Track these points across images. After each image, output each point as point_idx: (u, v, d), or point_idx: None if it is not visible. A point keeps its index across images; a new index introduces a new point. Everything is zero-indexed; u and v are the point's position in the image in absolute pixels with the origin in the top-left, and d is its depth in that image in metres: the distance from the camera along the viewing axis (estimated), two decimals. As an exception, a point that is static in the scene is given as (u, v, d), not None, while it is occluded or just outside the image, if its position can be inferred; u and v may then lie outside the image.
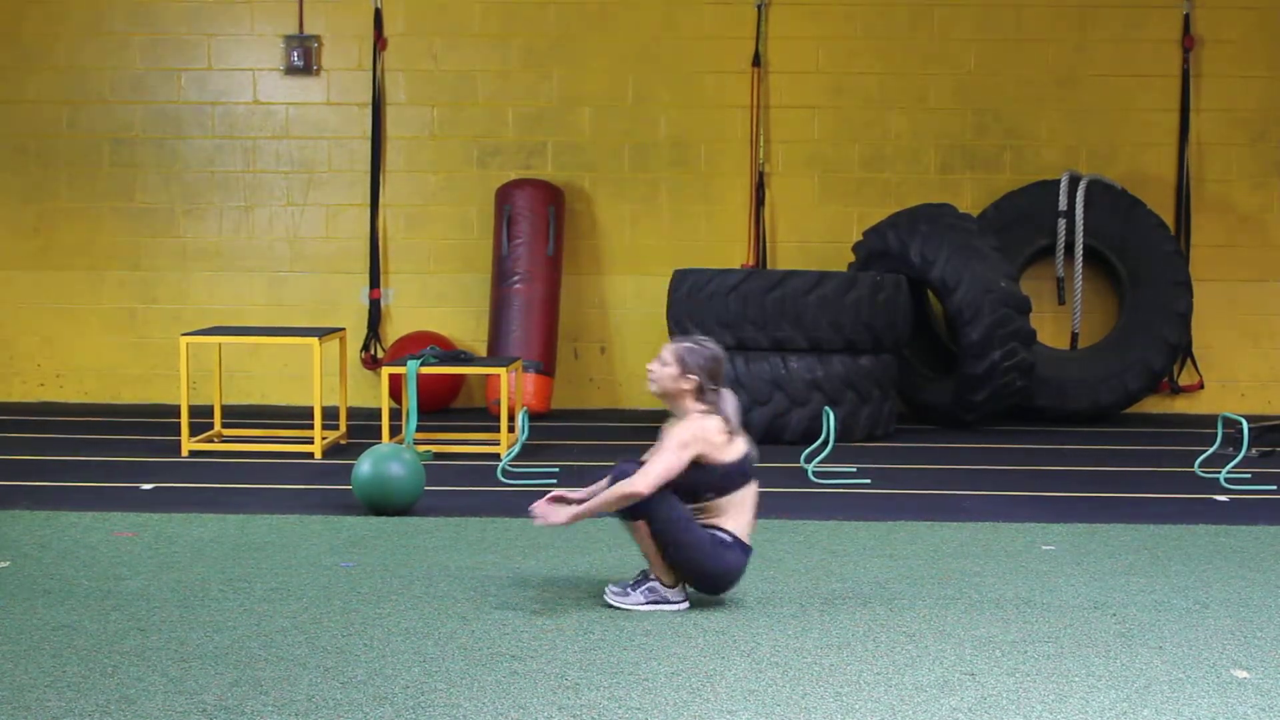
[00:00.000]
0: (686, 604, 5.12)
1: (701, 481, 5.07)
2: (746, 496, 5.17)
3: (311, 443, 8.42)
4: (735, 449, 5.14)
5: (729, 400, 5.19)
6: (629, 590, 5.12)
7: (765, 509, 6.74)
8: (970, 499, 7.27)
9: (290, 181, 10.60)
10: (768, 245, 10.50)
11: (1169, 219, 10.36)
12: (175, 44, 10.53)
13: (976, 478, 7.92)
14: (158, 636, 4.69)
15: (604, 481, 5.16)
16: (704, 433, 5.07)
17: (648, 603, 5.09)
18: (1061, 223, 10.07)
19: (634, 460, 5.12)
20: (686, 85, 10.49)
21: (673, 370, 5.11)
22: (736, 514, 5.13)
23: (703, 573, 5.08)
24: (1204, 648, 4.69)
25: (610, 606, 5.09)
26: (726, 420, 5.14)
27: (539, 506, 5.12)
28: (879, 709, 4.07)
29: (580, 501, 5.15)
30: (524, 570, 5.66)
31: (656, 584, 5.11)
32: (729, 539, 5.08)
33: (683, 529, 5.02)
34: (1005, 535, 6.38)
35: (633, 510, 5.02)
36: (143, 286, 10.62)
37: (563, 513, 5.07)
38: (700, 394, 5.12)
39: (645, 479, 4.98)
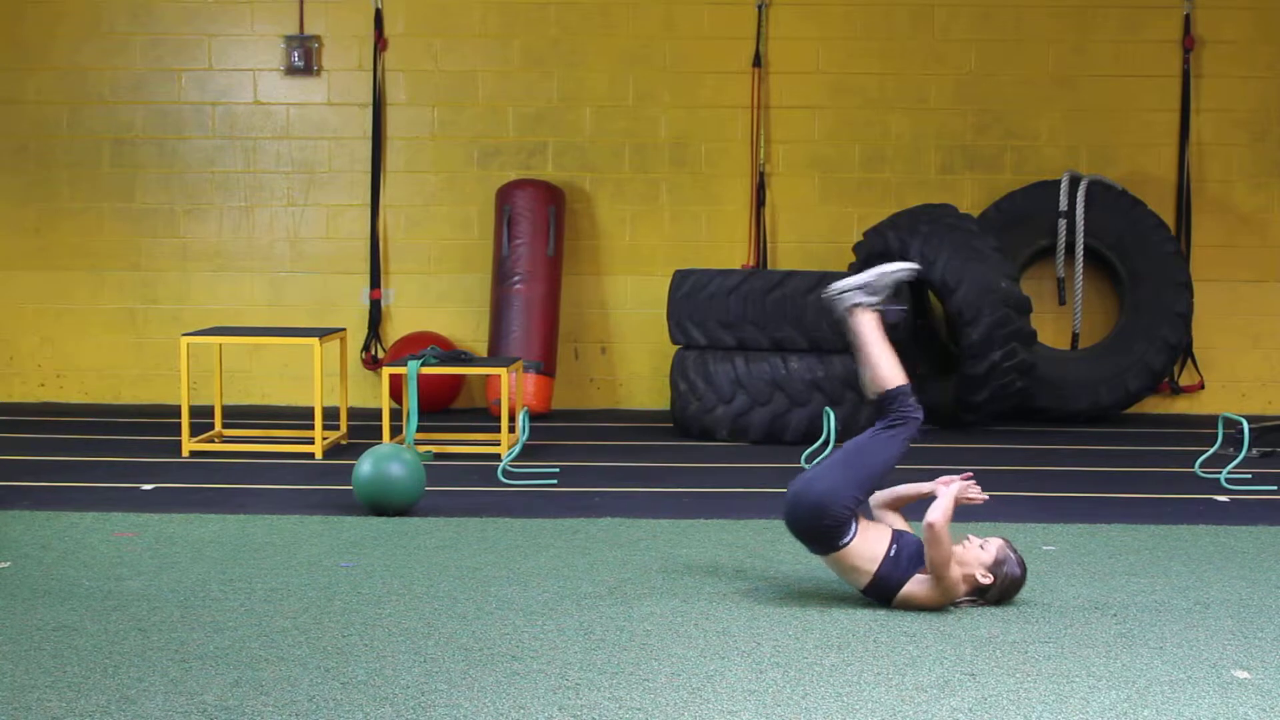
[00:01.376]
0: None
1: (895, 573, 5.09)
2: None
3: (312, 443, 8.42)
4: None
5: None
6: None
7: (765, 509, 6.77)
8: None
9: (291, 182, 10.61)
10: (768, 245, 10.51)
11: (1169, 219, 10.36)
12: (175, 44, 10.53)
13: (977, 478, 7.90)
14: (158, 637, 4.70)
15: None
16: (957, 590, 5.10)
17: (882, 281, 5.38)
18: (1062, 223, 10.07)
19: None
20: (687, 86, 10.49)
21: (987, 560, 5.12)
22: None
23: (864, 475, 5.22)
24: (1204, 648, 4.69)
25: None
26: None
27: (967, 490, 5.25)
28: (880, 709, 4.07)
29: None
30: (524, 570, 5.66)
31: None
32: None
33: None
34: (1005, 535, 6.37)
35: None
36: (143, 287, 10.63)
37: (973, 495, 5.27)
38: (977, 589, 5.12)
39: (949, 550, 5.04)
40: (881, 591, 5.08)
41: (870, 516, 5.22)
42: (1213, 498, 7.34)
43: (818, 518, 5.06)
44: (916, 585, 5.05)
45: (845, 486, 5.10)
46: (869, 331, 5.37)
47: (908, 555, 5.09)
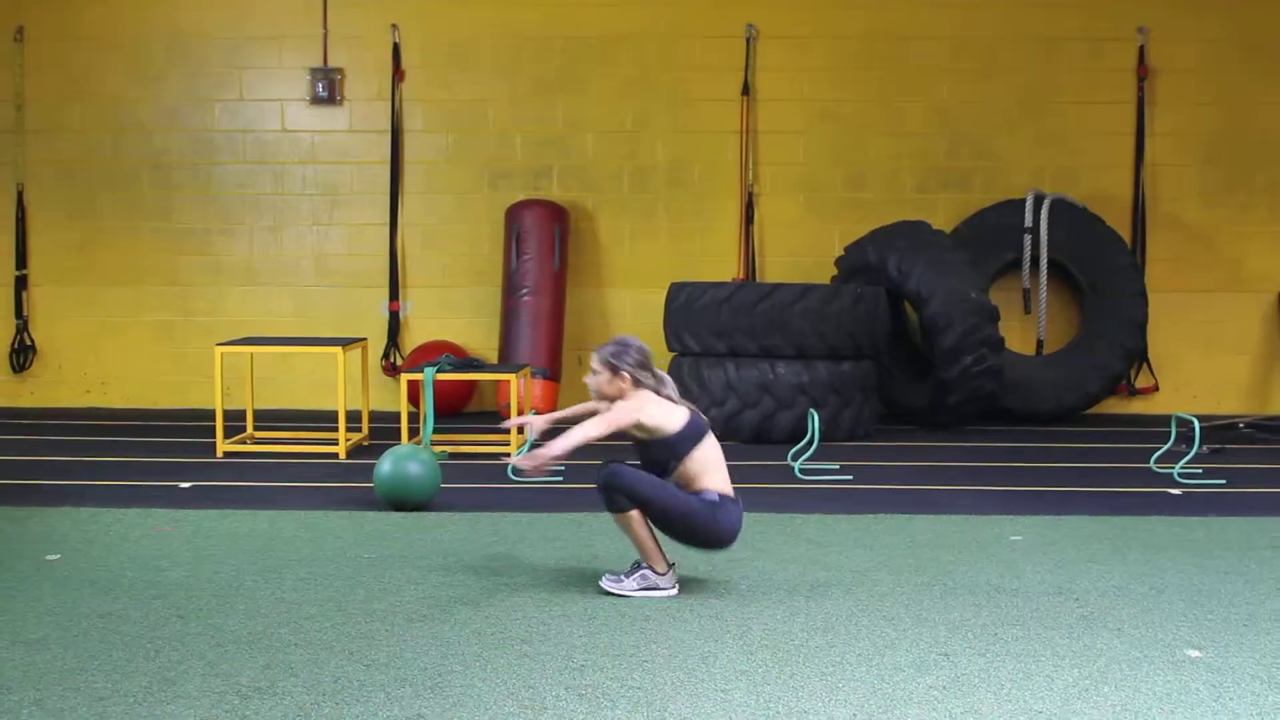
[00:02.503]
0: (676, 589, 5.14)
1: (660, 453, 5.10)
2: (709, 454, 5.15)
3: (336, 444, 8.43)
4: (679, 417, 5.14)
5: (667, 381, 5.23)
6: (623, 578, 5.14)
7: (755, 504, 6.76)
8: (944, 493, 7.28)
9: (316, 203, 10.62)
10: (757, 260, 10.52)
11: (1126, 235, 10.38)
12: (210, 77, 10.55)
13: (950, 474, 7.93)
14: (196, 623, 4.71)
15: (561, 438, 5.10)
16: (640, 402, 5.09)
17: (640, 589, 5.10)
18: (1027, 238, 10.09)
19: (611, 465, 5.12)
20: (682, 112, 10.51)
21: (605, 376, 5.16)
22: (709, 473, 5.14)
23: (705, 534, 5.11)
24: (1160, 629, 4.70)
25: (607, 593, 5.10)
26: (668, 397, 5.17)
27: (521, 461, 5.04)
28: (861, 688, 4.08)
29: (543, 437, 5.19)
30: (533, 561, 5.67)
31: (648, 571, 5.12)
32: (717, 498, 5.10)
33: (674, 500, 5.06)
34: (976, 527, 6.39)
35: (614, 494, 5.03)
36: (180, 300, 10.64)
37: (535, 459, 4.98)
38: (638, 385, 5.15)
39: (598, 424, 5.05)
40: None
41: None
42: (1167, 491, 7.34)
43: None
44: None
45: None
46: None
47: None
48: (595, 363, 5.18)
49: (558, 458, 5.01)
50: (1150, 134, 10.46)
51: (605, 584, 5.14)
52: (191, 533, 6.16)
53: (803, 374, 8.91)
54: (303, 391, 10.55)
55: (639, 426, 5.09)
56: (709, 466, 5.14)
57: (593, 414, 5.23)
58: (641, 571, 5.13)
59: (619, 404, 5.13)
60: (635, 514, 5.06)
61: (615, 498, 5.04)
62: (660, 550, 5.13)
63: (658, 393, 5.18)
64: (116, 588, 5.17)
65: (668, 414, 5.13)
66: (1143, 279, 10.13)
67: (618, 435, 5.15)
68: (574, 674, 4.18)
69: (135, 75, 10.55)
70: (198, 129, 10.59)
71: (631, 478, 5.03)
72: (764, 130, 10.51)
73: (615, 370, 5.15)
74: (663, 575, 5.12)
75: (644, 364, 5.19)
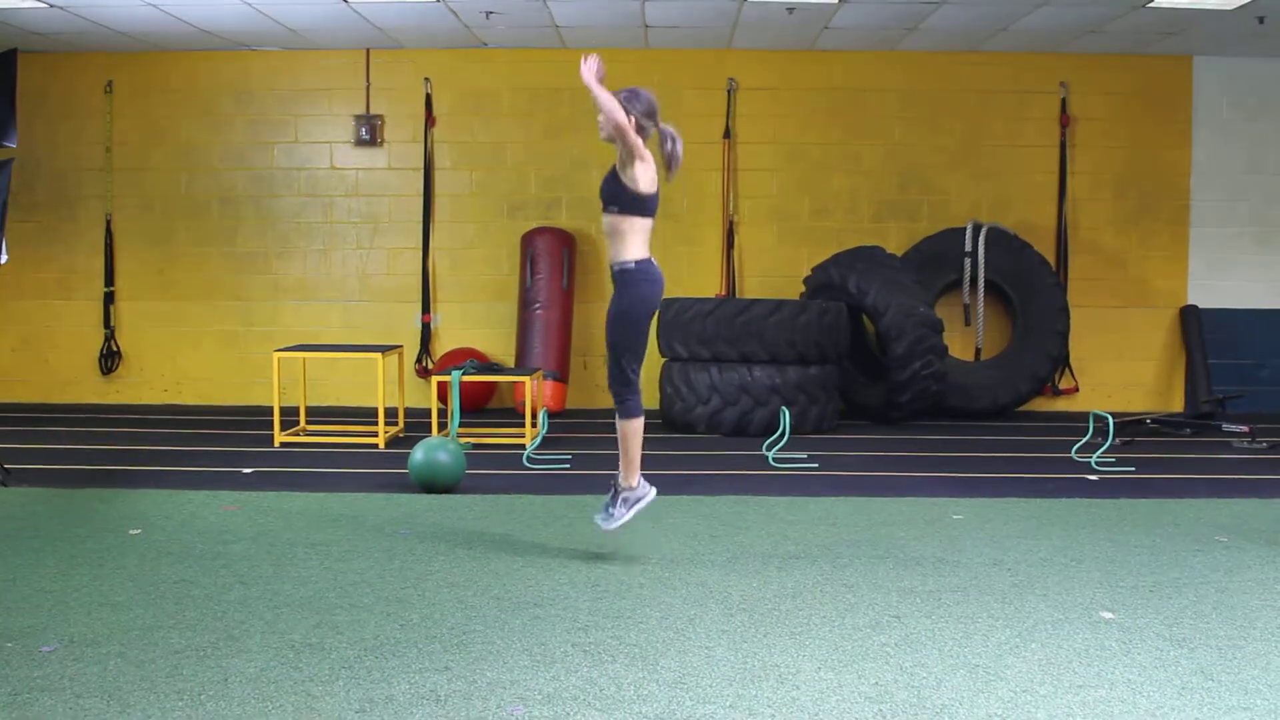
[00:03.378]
0: (654, 491, 5.16)
1: (621, 198, 4.99)
2: (648, 225, 5.08)
3: (376, 436, 8.42)
4: (651, 188, 5.01)
5: (672, 136, 5.06)
6: (610, 511, 5.12)
7: (734, 488, 6.77)
8: (897, 479, 7.29)
9: (359, 230, 10.61)
10: (736, 279, 10.52)
11: (1051, 258, 10.39)
12: (270, 123, 10.55)
13: (902, 462, 7.94)
14: (256, 588, 4.70)
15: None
16: (646, 153, 4.98)
17: (630, 511, 5.10)
18: (967, 261, 10.09)
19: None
20: (672, 154, 10.50)
21: (617, 115, 4.94)
22: (643, 239, 5.05)
23: (649, 305, 5.09)
24: (1078, 595, 4.70)
25: (609, 529, 5.13)
26: (670, 154, 5.03)
27: (587, 69, 4.92)
28: (824, 645, 4.08)
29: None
30: (544, 537, 5.67)
31: (624, 491, 5.10)
32: (633, 265, 5.04)
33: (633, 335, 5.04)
34: (924, 507, 6.40)
35: (632, 404, 5.05)
36: (243, 313, 10.63)
37: (593, 73, 4.91)
38: (641, 130, 5.00)
39: (621, 115, 4.85)
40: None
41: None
42: (1085, 477, 7.35)
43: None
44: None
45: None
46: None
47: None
48: (605, 102, 4.95)
49: (597, 93, 4.87)
50: (1071, 172, 10.47)
51: (600, 523, 5.12)
52: (253, 511, 6.16)
53: (776, 377, 8.91)
54: (348, 391, 10.54)
55: (629, 160, 4.90)
56: (644, 235, 5.05)
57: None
58: (620, 495, 5.10)
59: (639, 140, 4.89)
60: (638, 424, 5.03)
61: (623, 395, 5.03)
62: (639, 464, 5.13)
63: (661, 148, 5.02)
64: (189, 558, 5.17)
65: (648, 174, 4.98)
66: (1065, 296, 10.14)
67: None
68: (579, 633, 4.18)
69: (207, 122, 10.55)
70: (259, 167, 10.58)
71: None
72: (742, 168, 10.52)
73: (625, 112, 4.95)
74: (634, 488, 5.10)
75: (650, 113, 5.01)
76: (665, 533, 5.72)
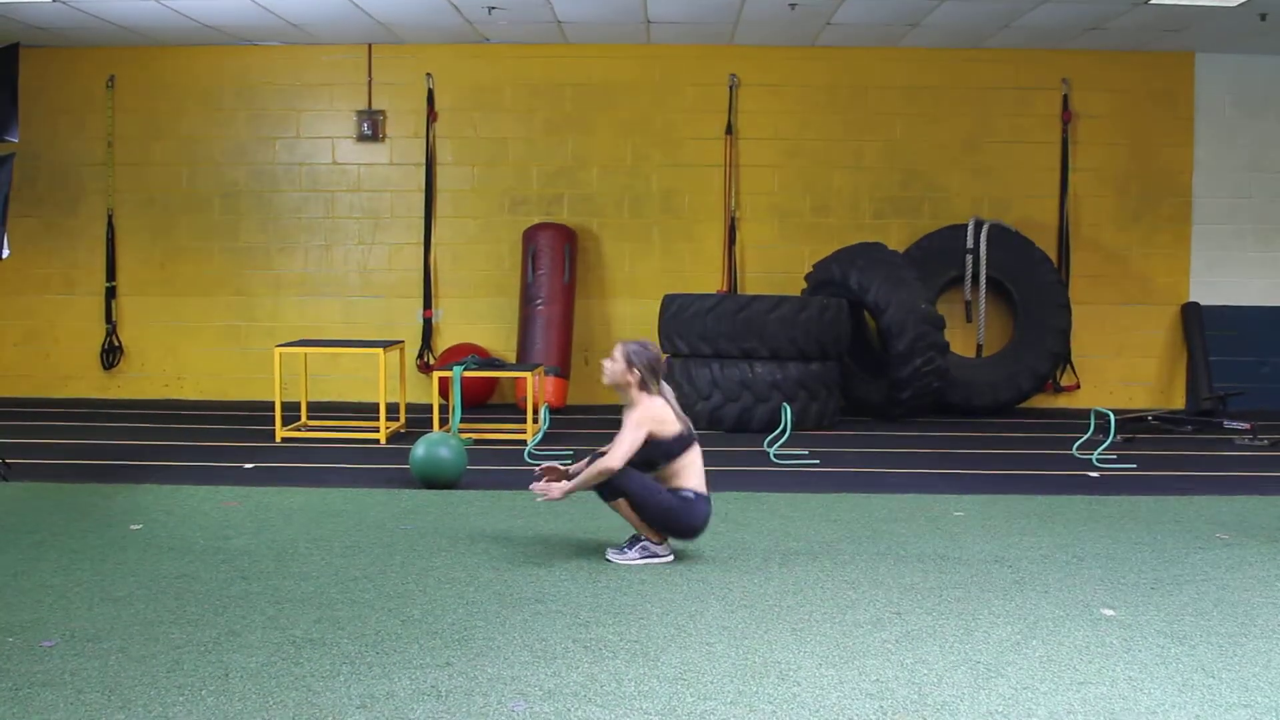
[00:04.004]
0: (672, 556, 5.13)
1: (653, 453, 5.09)
2: (693, 459, 5.15)
3: (377, 431, 8.42)
4: (675, 426, 5.13)
5: (667, 390, 5.22)
6: (625, 550, 5.13)
7: (735, 484, 6.77)
8: (898, 476, 7.28)
9: (361, 225, 10.61)
10: (738, 275, 10.51)
11: (1053, 255, 10.38)
12: (271, 118, 10.54)
13: (903, 459, 7.94)
14: (257, 583, 4.70)
15: (584, 462, 5.21)
16: (651, 412, 5.09)
17: (642, 559, 5.09)
18: (969, 258, 10.09)
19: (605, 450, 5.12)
20: (674, 149, 10.50)
21: (621, 366, 5.13)
22: (690, 473, 5.13)
23: (679, 527, 5.10)
24: (1079, 592, 4.70)
25: (613, 562, 5.10)
26: (667, 403, 5.16)
27: (538, 486, 5.17)
28: (826, 641, 4.08)
29: (569, 476, 5.19)
30: (545, 532, 5.67)
31: (647, 543, 5.12)
32: (692, 495, 5.10)
33: (654, 495, 5.05)
34: (925, 504, 6.39)
35: (610, 490, 5.05)
36: (244, 308, 10.63)
37: (556, 489, 5.10)
38: (644, 386, 5.13)
39: (615, 456, 5.03)
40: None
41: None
42: (1086, 474, 7.35)
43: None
44: (620, 443, 5.01)
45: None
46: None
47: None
48: (617, 352, 5.15)
49: (569, 491, 5.07)
50: (1072, 169, 10.46)
51: (611, 557, 5.13)
52: (254, 506, 6.16)
53: (777, 373, 8.91)
54: (349, 386, 10.54)
55: (651, 437, 5.06)
56: (691, 469, 5.14)
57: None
58: (641, 543, 5.12)
59: (633, 415, 5.06)
60: (623, 501, 5.06)
61: (604, 489, 5.07)
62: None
63: (662, 396, 5.16)
64: (190, 553, 5.17)
65: (666, 422, 5.10)
66: (1067, 293, 10.14)
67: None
68: (580, 629, 4.17)
69: (208, 117, 10.54)
70: (261, 162, 10.58)
71: (621, 475, 5.02)
72: (744, 164, 10.51)
73: (630, 365, 5.12)
74: (659, 545, 5.12)
75: (654, 369, 5.16)
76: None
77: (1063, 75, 10.38)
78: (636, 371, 5.13)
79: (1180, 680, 3.72)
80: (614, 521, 5.81)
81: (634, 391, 5.13)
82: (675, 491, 5.10)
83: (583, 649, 3.96)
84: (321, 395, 10.42)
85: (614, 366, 5.15)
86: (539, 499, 5.18)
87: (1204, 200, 10.46)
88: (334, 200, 10.59)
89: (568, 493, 5.10)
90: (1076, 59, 10.35)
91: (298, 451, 7.97)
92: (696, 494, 5.12)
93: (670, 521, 5.08)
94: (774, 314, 8.89)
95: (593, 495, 6.44)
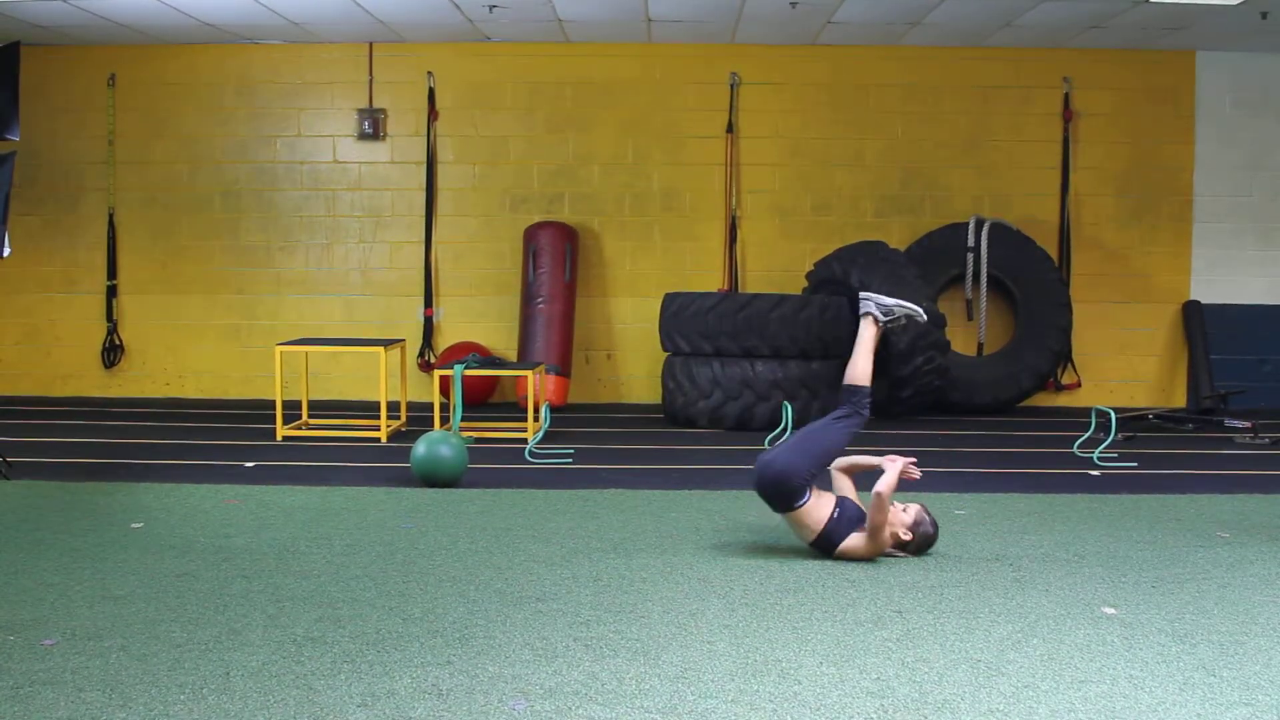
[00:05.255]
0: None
1: (843, 525, 5.11)
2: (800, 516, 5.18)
3: (378, 430, 8.42)
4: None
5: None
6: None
7: (737, 483, 6.77)
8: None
9: (362, 224, 10.61)
10: (739, 273, 10.51)
11: (1053, 253, 10.38)
12: (272, 116, 10.54)
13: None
14: (258, 582, 4.70)
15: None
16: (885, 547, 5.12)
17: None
18: (969, 256, 10.09)
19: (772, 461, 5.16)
20: (674, 147, 10.50)
21: (908, 521, 5.14)
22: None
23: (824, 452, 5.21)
24: (1080, 590, 4.70)
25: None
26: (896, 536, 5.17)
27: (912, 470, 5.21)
28: (826, 639, 4.08)
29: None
30: (546, 530, 5.67)
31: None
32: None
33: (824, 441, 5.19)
34: (926, 502, 6.37)
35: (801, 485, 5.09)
36: (245, 306, 10.63)
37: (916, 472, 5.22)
38: (901, 544, 5.15)
39: (880, 516, 5.03)
40: (825, 545, 5.09)
41: (824, 487, 5.22)
42: (1087, 472, 7.35)
43: (780, 484, 5.07)
44: (853, 540, 5.07)
45: (802, 461, 5.09)
46: (865, 336, 5.31)
47: (847, 518, 5.10)
48: (916, 511, 5.17)
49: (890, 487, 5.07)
50: (1073, 168, 10.46)
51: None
52: (255, 505, 6.16)
53: (778, 371, 8.91)
54: (350, 385, 10.55)
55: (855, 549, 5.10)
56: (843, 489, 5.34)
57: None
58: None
59: (888, 532, 5.07)
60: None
61: (785, 487, 5.10)
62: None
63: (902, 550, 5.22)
64: (191, 551, 5.17)
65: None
66: (1067, 291, 10.13)
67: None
68: (581, 628, 4.17)
69: (209, 116, 10.55)
70: (262, 161, 10.58)
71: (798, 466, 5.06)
72: (745, 163, 10.50)
73: (910, 530, 5.12)
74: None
75: (921, 546, 5.17)
76: (667, 527, 5.72)
77: (1063, 74, 10.38)
78: (909, 535, 5.12)
79: (1181, 679, 3.72)
80: (613, 521, 5.82)
81: (886, 532, 5.07)
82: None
83: (583, 647, 3.96)
84: (322, 394, 10.42)
85: (901, 515, 5.12)
86: (916, 476, 5.22)
87: (1205, 199, 10.46)
88: (335, 199, 10.59)
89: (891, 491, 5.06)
90: (1077, 57, 10.34)
91: (299, 450, 7.97)
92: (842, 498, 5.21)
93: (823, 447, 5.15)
94: (775, 312, 8.89)
95: (593, 495, 6.45)
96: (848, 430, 5.20)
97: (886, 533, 5.06)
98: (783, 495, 5.06)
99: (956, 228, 10.20)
